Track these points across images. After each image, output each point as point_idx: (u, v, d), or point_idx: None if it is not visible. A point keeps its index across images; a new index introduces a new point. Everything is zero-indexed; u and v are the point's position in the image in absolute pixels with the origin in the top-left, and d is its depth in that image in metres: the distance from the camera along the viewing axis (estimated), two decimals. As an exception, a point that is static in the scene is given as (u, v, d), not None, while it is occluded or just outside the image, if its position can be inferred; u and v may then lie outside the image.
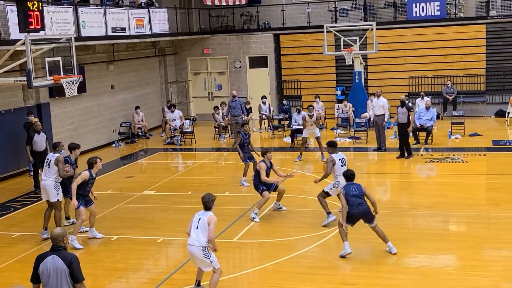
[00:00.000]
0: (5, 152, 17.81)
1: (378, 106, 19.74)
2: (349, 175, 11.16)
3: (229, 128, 23.14)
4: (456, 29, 25.52)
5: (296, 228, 12.63)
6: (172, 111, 23.22)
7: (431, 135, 20.44)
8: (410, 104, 18.63)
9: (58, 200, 12.45)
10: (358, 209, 10.78)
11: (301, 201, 14.56)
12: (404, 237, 11.80)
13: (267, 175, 13.33)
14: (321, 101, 23.95)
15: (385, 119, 19.73)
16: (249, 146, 16.32)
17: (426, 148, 19.70)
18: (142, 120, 23.90)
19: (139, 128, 23.64)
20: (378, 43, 23.67)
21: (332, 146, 12.81)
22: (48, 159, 12.56)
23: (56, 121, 19.99)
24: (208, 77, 28.50)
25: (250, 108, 24.54)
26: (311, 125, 18.94)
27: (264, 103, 24.42)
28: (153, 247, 11.94)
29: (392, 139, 21.32)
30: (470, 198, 14.23)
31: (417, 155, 18.91)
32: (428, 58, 25.84)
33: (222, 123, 23.20)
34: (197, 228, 9.20)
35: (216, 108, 23.61)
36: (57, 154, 12.52)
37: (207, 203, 9.41)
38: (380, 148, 19.70)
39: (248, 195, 15.11)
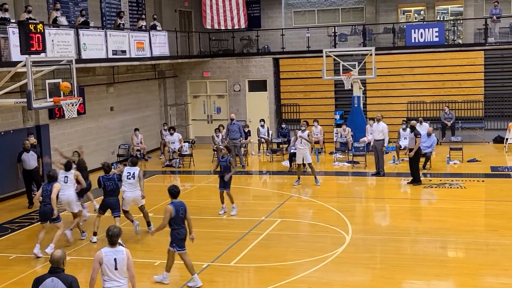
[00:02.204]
0: (3, 173, 17.81)
1: (377, 130, 19.81)
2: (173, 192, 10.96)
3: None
4: (455, 55, 25.71)
5: (293, 252, 12.61)
6: (172, 134, 23.29)
7: (429, 161, 20.49)
8: (418, 130, 18.68)
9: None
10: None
11: (298, 226, 14.55)
12: (402, 262, 11.79)
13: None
14: (320, 125, 24.02)
15: (385, 144, 19.81)
16: (229, 169, 15.62)
17: (425, 173, 19.73)
18: (141, 142, 23.95)
19: (137, 150, 23.66)
20: (377, 68, 23.82)
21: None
22: (130, 172, 14.06)
23: (55, 143, 20.00)
24: (208, 100, 28.61)
25: (249, 131, 24.61)
26: (301, 143, 18.51)
27: (262, 126, 24.50)
28: (150, 270, 11.91)
29: (390, 164, 21.37)
30: (469, 224, 14.24)
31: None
32: (426, 84, 26.00)
33: (221, 146, 23.23)
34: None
35: (216, 130, 23.68)
36: (138, 168, 14.30)
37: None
38: (379, 173, 19.74)
39: (246, 219, 15.12)
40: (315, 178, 18.63)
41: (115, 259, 8.08)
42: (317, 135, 23.44)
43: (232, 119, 22.21)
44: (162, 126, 25.76)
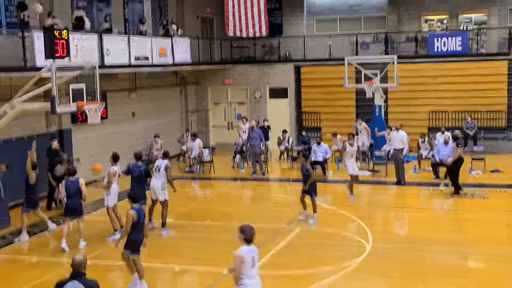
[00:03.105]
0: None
1: (397, 140, 19.73)
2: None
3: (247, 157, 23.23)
4: (478, 65, 25.54)
5: (313, 260, 12.60)
6: (194, 140, 23.29)
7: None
8: (460, 140, 18.62)
9: (165, 199, 14.75)
10: None
11: (318, 234, 14.53)
12: (422, 272, 11.73)
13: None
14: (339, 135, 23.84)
15: (403, 153, 19.69)
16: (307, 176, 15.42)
17: (446, 183, 19.58)
18: (160, 148, 23.84)
19: (157, 156, 23.61)
20: (399, 77, 23.74)
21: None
22: (158, 165, 14.77)
23: (77, 147, 20.20)
24: (228, 107, 28.72)
25: (268, 126, 24.63)
26: (351, 156, 17.69)
27: (283, 137, 24.26)
28: (170, 275, 11.97)
29: (411, 173, 21.25)
30: (490, 235, 14.13)
31: (437, 190, 18.83)
32: (449, 93, 25.84)
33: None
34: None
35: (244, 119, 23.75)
36: (166, 161, 14.83)
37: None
38: (400, 182, 19.65)
39: (266, 226, 15.11)
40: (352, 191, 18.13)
41: (252, 257, 8.39)
42: (337, 144, 23.41)
43: (252, 127, 22.27)
44: (184, 132, 25.80)
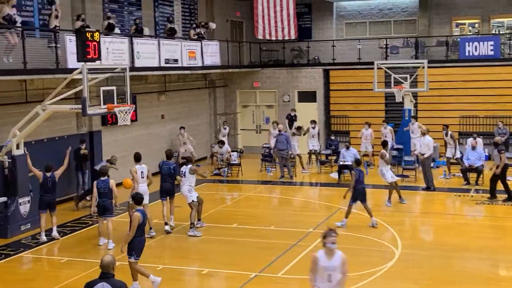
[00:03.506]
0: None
1: (423, 145, 19.54)
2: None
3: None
4: (510, 70, 25.15)
5: (341, 265, 12.49)
6: (220, 147, 23.28)
7: (481, 176, 20.05)
8: (502, 146, 18.35)
9: (192, 200, 14.94)
10: None
11: (346, 239, 14.40)
12: (451, 279, 11.57)
13: None
14: (371, 129, 23.64)
15: (425, 155, 19.34)
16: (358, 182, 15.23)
17: (477, 189, 19.32)
18: (185, 143, 23.70)
19: (183, 158, 23.55)
20: (429, 81, 23.49)
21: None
22: (183, 171, 15.06)
23: (107, 149, 20.33)
24: (257, 110, 28.72)
25: (295, 115, 24.40)
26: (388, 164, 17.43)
27: (313, 128, 23.86)
28: (198, 278, 11.99)
29: (441, 178, 21.00)
30: (522, 243, 13.88)
31: (467, 196, 18.57)
32: (480, 98, 25.49)
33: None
34: None
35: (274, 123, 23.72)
36: (189, 165, 15.15)
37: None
38: (429, 187, 19.42)
39: (293, 230, 15.07)
40: (400, 196, 17.93)
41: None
42: (367, 137, 23.19)
43: (280, 130, 22.17)
44: (212, 135, 25.82)
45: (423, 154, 19.40)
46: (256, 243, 14.09)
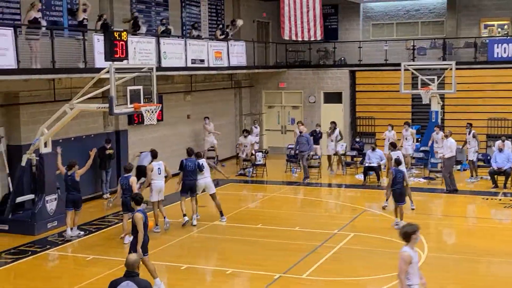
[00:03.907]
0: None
1: (446, 147, 19.30)
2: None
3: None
4: (539, 71, 24.77)
5: (366, 268, 12.39)
6: (246, 136, 23.21)
7: (510, 179, 19.72)
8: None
9: (215, 191, 16.09)
10: None
11: (371, 241, 14.29)
12: (478, 284, 11.41)
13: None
14: (394, 131, 23.27)
15: (445, 155, 19.13)
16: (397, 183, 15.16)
17: (505, 192, 19.03)
18: (210, 134, 23.72)
19: (210, 147, 23.67)
20: (457, 83, 23.22)
21: None
22: (201, 164, 15.76)
23: (133, 148, 20.42)
24: (282, 111, 28.65)
25: (320, 132, 23.84)
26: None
27: (334, 129, 23.14)
28: (222, 278, 11.95)
29: (468, 181, 20.73)
30: (551, 248, 13.61)
31: (495, 199, 18.30)
32: (508, 100, 25.09)
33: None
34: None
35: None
36: (203, 159, 16.05)
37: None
38: (450, 191, 19.14)
39: (318, 231, 14.98)
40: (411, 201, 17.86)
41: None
42: (390, 139, 22.84)
43: (301, 132, 22.01)
44: (238, 134, 25.77)
45: (448, 157, 19.16)
46: (280, 244, 14.03)
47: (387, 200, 15.97)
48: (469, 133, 21.30)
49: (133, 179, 14.06)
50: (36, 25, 15.24)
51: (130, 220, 13.84)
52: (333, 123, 23.51)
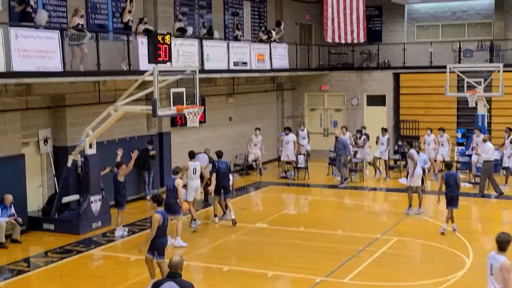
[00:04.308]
0: (126, 177, 18.51)
1: (483, 151, 18.99)
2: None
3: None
4: None
5: (409, 273, 12.28)
6: (287, 134, 23.16)
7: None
8: None
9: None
10: None
11: (415, 246, 14.15)
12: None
13: None
14: (433, 134, 22.88)
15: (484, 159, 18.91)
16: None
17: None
18: (256, 145, 23.61)
19: (253, 160, 23.59)
20: (505, 86, 22.79)
21: None
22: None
23: (176, 150, 20.63)
24: (324, 113, 28.55)
25: (366, 134, 23.21)
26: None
27: (383, 135, 22.88)
28: (263, 281, 11.99)
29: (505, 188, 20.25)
30: None
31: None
32: (559, 104, 24.53)
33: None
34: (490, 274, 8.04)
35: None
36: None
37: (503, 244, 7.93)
38: (483, 195, 18.94)
39: (360, 235, 14.88)
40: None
41: (491, 264, 7.99)
42: (429, 144, 22.48)
43: (337, 137, 21.78)
44: (299, 127, 25.64)
45: (487, 162, 18.89)
46: (322, 247, 13.99)
47: (419, 206, 16.53)
48: (507, 138, 20.82)
49: (178, 182, 14.19)
50: (80, 31, 15.50)
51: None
52: (361, 129, 23.39)
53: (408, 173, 17.33)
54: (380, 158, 22.75)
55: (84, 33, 15.49)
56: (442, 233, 14.81)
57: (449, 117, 26.17)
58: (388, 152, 23.10)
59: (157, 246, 10.96)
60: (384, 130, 23.05)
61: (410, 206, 17.01)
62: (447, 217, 15.08)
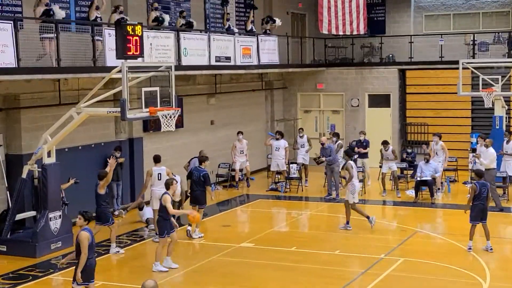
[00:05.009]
0: (91, 190, 18.32)
1: (486, 158, 19.02)
2: None
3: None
4: None
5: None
6: (278, 139, 23.06)
7: None
8: None
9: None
10: None
11: (424, 267, 14.09)
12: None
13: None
14: (442, 141, 22.76)
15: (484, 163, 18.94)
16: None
17: None
18: (243, 152, 23.36)
19: (240, 170, 23.41)
20: (525, 84, 22.90)
21: None
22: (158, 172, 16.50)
23: (149, 158, 20.40)
24: (320, 116, 28.54)
25: (365, 140, 23.38)
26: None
27: (386, 150, 23.06)
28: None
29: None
30: None
31: None
32: None
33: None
34: None
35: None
36: (164, 168, 16.77)
37: None
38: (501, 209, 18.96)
39: (362, 256, 14.83)
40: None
41: None
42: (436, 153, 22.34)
43: (322, 144, 21.64)
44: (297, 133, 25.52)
45: (490, 169, 18.92)
46: (317, 270, 13.91)
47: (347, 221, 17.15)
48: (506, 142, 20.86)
49: (166, 198, 13.97)
50: (45, 22, 15.35)
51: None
52: (386, 142, 22.87)
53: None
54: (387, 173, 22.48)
55: (52, 20, 15.38)
56: (470, 250, 14.92)
57: (463, 120, 26.28)
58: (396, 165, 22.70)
59: (85, 269, 10.84)
60: (385, 143, 22.66)
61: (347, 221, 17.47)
62: (471, 233, 15.02)
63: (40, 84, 16.57)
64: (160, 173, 16.32)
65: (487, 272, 13.53)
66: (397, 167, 23.36)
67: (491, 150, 19.33)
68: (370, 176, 23.49)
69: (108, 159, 15.82)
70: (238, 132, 23.45)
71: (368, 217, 17.34)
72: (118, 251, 15.35)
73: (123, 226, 17.53)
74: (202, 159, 16.95)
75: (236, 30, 23.58)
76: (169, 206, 13.85)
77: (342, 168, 19.30)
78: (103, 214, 15.20)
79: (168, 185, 14.18)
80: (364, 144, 23.35)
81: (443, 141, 22.09)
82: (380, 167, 22.66)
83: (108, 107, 16.30)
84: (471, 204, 15.02)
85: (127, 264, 14.73)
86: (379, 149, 22.69)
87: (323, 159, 21.49)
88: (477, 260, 14.40)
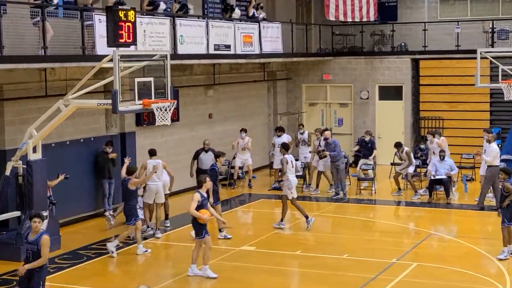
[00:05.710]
0: (81, 188, 18.37)
1: (491, 155, 19.07)
2: None
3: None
4: None
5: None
6: (279, 136, 23.06)
7: None
8: None
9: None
10: None
11: (439, 272, 14.10)
12: None
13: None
14: (444, 136, 22.73)
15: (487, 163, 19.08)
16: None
17: None
18: (245, 149, 23.35)
19: (240, 167, 23.48)
20: (548, 75, 22.85)
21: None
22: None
23: (142, 154, 20.41)
24: (327, 109, 28.54)
25: (371, 141, 23.36)
26: None
27: (401, 152, 22.28)
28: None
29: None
30: None
31: None
32: None
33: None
34: None
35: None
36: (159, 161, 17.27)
37: None
38: (482, 208, 19.16)
39: (372, 260, 14.85)
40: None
41: None
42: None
43: (326, 138, 21.60)
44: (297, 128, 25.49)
45: (493, 166, 19.08)
46: (324, 276, 13.93)
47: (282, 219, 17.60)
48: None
49: (194, 196, 13.88)
50: (31, 3, 15.34)
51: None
52: (399, 144, 22.67)
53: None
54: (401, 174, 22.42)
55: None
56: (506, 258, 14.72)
57: (480, 114, 26.27)
58: (413, 167, 22.50)
59: (42, 276, 10.88)
60: (399, 146, 22.42)
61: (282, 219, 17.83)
62: (505, 237, 14.85)
63: (24, 74, 16.52)
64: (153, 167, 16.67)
65: (507, 278, 13.54)
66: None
67: (494, 146, 19.38)
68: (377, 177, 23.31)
69: (125, 159, 16.75)
70: (241, 130, 23.46)
71: (307, 217, 17.64)
72: (146, 251, 15.65)
73: (114, 228, 17.52)
74: (218, 154, 17.71)
75: (261, 17, 24.11)
76: (193, 205, 13.70)
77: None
78: (128, 211, 15.66)
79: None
80: (369, 145, 23.26)
81: (456, 136, 22.05)
82: (392, 164, 22.67)
83: (98, 99, 16.33)
84: (505, 204, 14.72)
85: (119, 268, 14.73)
86: (392, 148, 22.69)
87: (327, 153, 21.49)
88: (496, 265, 14.41)
